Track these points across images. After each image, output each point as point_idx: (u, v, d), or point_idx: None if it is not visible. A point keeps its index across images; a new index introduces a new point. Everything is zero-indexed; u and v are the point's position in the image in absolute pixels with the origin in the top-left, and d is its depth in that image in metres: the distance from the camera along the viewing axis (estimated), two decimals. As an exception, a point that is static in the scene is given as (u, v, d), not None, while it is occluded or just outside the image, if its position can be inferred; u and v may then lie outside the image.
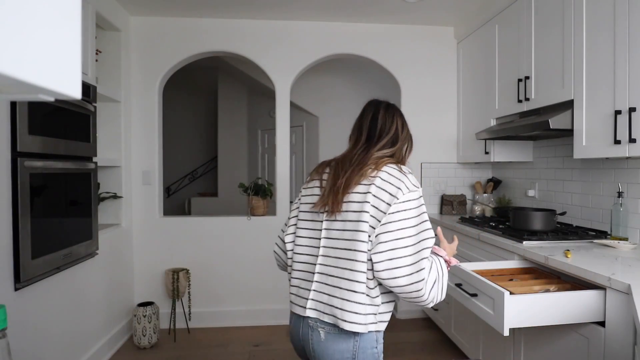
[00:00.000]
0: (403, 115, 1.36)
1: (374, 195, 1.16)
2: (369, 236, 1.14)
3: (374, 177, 1.19)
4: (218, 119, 6.04)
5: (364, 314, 1.14)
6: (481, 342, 2.47)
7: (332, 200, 1.22)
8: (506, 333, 1.50)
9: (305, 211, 1.32)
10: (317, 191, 1.31)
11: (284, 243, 1.37)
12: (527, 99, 2.51)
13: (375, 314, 1.18)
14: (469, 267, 1.94)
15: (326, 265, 1.21)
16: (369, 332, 1.17)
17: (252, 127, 5.89)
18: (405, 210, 1.13)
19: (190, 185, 6.98)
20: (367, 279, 1.15)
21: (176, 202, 6.70)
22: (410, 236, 1.12)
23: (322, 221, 1.25)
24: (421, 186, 3.45)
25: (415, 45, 3.54)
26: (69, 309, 2.35)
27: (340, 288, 1.16)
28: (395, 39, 3.51)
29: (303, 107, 4.86)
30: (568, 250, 1.87)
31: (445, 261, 1.25)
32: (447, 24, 3.50)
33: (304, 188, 1.39)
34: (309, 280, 1.25)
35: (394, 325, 3.37)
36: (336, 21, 3.44)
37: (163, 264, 3.36)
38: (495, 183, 3.44)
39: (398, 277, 1.10)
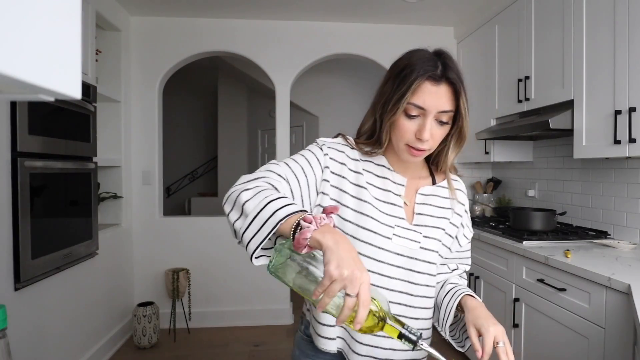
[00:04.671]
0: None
1: None
2: None
3: None
4: (218, 119, 6.04)
5: None
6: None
7: None
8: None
9: None
10: None
11: None
12: (527, 99, 2.51)
13: None
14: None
15: None
16: None
17: (252, 127, 5.89)
18: None
19: (190, 185, 6.98)
20: None
21: (176, 202, 6.70)
22: None
23: None
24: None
25: (415, 45, 3.52)
26: (69, 309, 2.34)
27: None
28: (396, 39, 3.51)
29: (303, 107, 4.86)
30: (568, 250, 1.87)
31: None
32: (447, 24, 3.50)
33: None
34: None
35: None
36: (336, 21, 3.44)
37: (163, 264, 3.35)
38: (495, 183, 3.44)
39: None
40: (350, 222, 0.90)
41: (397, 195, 0.94)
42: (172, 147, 6.44)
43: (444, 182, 1.02)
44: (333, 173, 0.93)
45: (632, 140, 1.74)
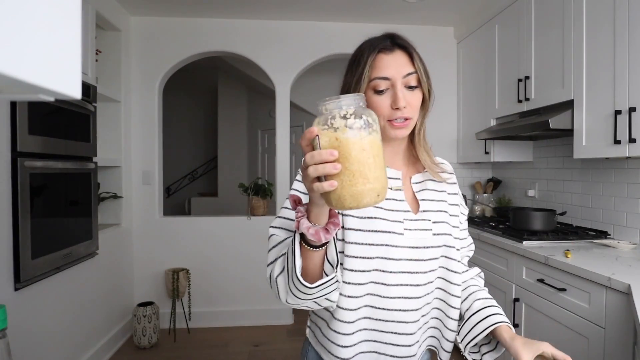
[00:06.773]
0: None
1: None
2: None
3: None
4: (218, 119, 6.04)
5: None
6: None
7: None
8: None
9: None
10: None
11: None
12: (527, 99, 2.51)
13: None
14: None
15: None
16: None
17: (252, 127, 5.89)
18: None
19: (190, 185, 6.97)
20: None
21: (176, 202, 6.70)
22: None
23: None
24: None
25: (415, 45, 3.53)
26: (69, 309, 2.35)
27: None
28: (395, 39, 3.51)
29: (303, 107, 4.86)
30: (568, 250, 1.87)
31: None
32: (447, 24, 3.50)
33: None
34: None
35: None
36: (336, 21, 3.44)
37: (163, 264, 3.36)
38: (495, 183, 3.44)
39: None
40: (355, 229, 0.86)
41: (395, 190, 0.92)
42: (172, 147, 6.44)
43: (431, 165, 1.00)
44: None
45: (632, 140, 1.74)
